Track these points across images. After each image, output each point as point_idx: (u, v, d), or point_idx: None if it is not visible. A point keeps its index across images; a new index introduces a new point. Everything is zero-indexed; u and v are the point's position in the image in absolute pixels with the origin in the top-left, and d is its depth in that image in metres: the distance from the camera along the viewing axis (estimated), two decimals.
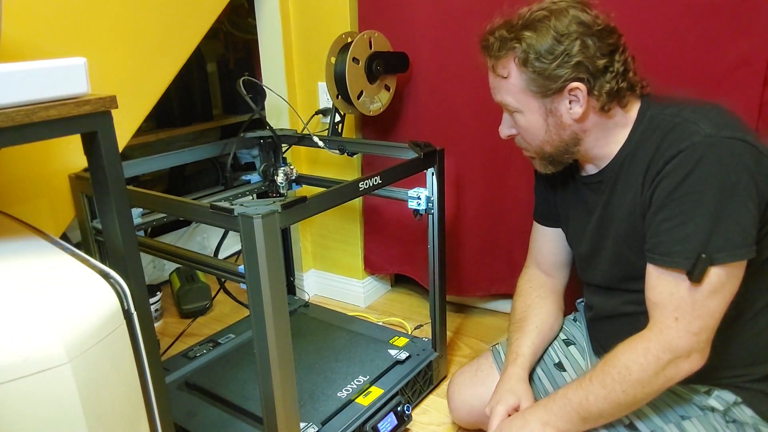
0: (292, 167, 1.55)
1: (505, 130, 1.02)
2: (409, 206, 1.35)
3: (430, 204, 1.33)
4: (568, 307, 1.25)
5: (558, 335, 1.19)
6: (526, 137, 0.99)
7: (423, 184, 1.33)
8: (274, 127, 1.76)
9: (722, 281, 0.83)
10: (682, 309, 0.84)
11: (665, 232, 0.85)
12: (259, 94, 1.83)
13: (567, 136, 0.95)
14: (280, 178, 1.49)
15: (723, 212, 0.81)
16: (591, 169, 1.01)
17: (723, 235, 0.81)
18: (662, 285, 0.87)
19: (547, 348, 1.17)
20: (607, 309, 1.06)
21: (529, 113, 0.95)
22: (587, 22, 0.89)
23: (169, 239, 2.14)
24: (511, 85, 0.94)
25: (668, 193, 0.85)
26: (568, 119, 0.93)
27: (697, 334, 0.84)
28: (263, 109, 1.81)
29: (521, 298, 1.20)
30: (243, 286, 0.96)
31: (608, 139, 0.95)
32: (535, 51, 0.89)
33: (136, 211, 1.29)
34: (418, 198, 1.33)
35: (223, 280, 1.65)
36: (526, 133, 0.98)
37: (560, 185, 1.10)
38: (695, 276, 0.82)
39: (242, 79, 1.37)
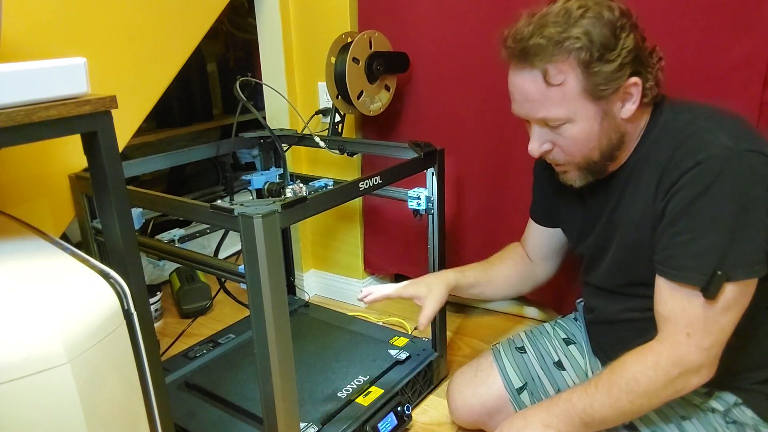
0: (301, 185, 1.42)
1: (538, 147, 0.91)
2: (409, 206, 1.35)
3: (430, 204, 1.33)
4: (568, 307, 1.25)
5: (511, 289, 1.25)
6: (571, 149, 0.89)
7: (423, 184, 1.33)
8: (274, 127, 1.76)
9: (736, 297, 0.82)
10: (695, 325, 0.83)
11: (679, 246, 0.84)
12: (259, 94, 1.83)
13: (616, 139, 0.88)
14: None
15: (740, 228, 0.79)
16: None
17: (740, 251, 0.80)
18: (674, 300, 0.85)
19: (538, 327, 1.23)
20: (608, 314, 1.06)
21: (583, 120, 0.86)
22: (626, 12, 0.84)
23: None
24: (564, 92, 0.84)
25: (684, 207, 0.82)
26: (620, 120, 0.87)
27: (708, 349, 0.83)
28: (263, 108, 1.81)
29: (503, 252, 1.27)
30: (243, 286, 0.95)
31: (634, 140, 0.92)
32: (597, 47, 0.80)
33: (137, 212, 1.29)
34: (418, 198, 1.32)
35: (223, 280, 1.65)
36: (574, 144, 0.88)
37: (564, 187, 1.09)
38: (710, 293, 0.80)
39: (239, 80, 1.36)
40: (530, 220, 1.23)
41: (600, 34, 0.81)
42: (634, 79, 0.85)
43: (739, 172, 0.79)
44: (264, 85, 1.77)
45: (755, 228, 0.80)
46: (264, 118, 1.81)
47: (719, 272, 0.80)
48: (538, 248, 1.22)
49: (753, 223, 0.80)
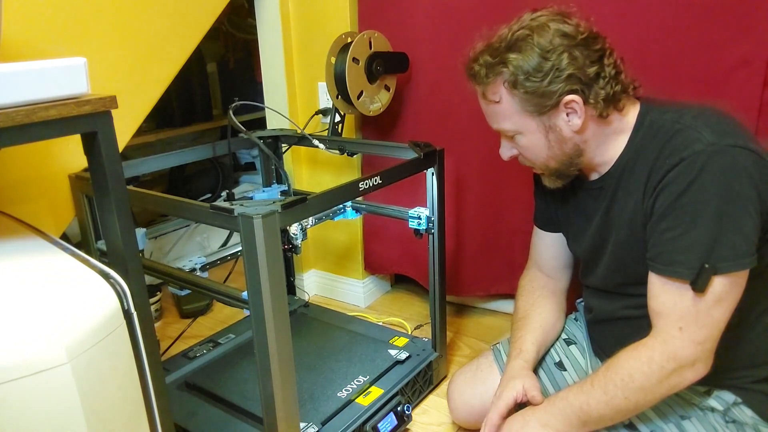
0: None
1: (506, 152, 1.02)
2: (410, 226, 1.36)
3: (430, 224, 1.34)
4: (569, 307, 1.25)
5: (560, 335, 1.19)
6: (529, 156, 0.99)
7: (423, 185, 1.33)
8: (274, 127, 1.76)
9: (726, 290, 0.82)
10: (686, 319, 0.84)
11: (668, 241, 0.85)
12: (259, 94, 1.83)
13: (569, 149, 0.94)
14: (293, 228, 1.33)
15: (726, 221, 0.80)
16: (591, 175, 1.01)
17: (726, 244, 0.81)
18: (665, 295, 0.86)
19: (550, 348, 1.17)
20: (606, 312, 1.06)
21: (529, 133, 0.94)
22: (570, 33, 0.88)
23: (168, 239, 2.14)
24: (504, 109, 0.93)
25: (670, 202, 0.84)
26: (568, 132, 0.92)
27: (701, 343, 0.84)
28: (263, 108, 1.81)
29: (524, 297, 1.19)
30: (246, 311, 0.95)
31: (608, 145, 0.95)
32: (523, 71, 0.88)
33: (140, 232, 1.30)
34: (419, 218, 1.33)
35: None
36: (528, 152, 0.98)
37: (560, 191, 1.09)
38: (699, 286, 0.81)
39: (233, 107, 1.36)
40: (536, 230, 1.21)
41: (527, 58, 0.88)
42: (570, 97, 0.89)
43: (722, 167, 0.80)
44: (267, 108, 1.77)
45: (740, 221, 0.81)
46: (260, 125, 1.81)
47: (707, 265, 0.81)
48: (552, 259, 1.19)
49: (738, 216, 0.81)
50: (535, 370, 1.15)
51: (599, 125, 0.93)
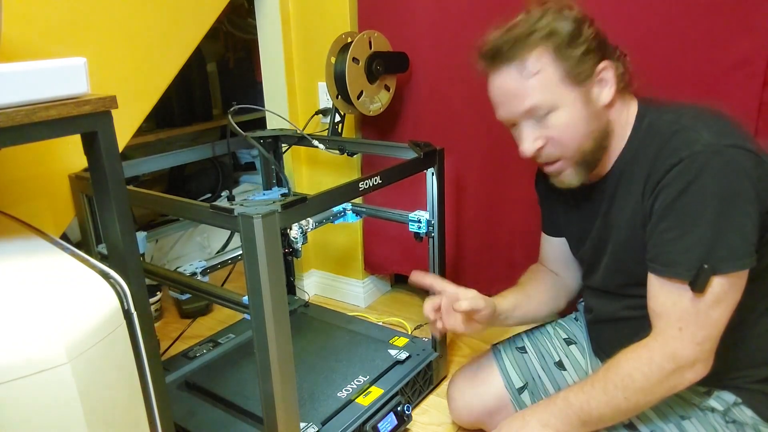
0: (308, 218, 1.36)
1: (531, 144, 0.92)
2: (410, 229, 1.36)
3: (430, 228, 1.34)
4: (569, 308, 1.25)
5: (545, 320, 1.20)
6: (563, 138, 0.91)
7: (423, 186, 1.33)
8: (274, 127, 1.76)
9: (725, 291, 0.82)
10: (686, 319, 0.84)
11: (667, 242, 0.85)
12: (259, 93, 1.83)
13: (604, 124, 0.92)
14: (293, 232, 1.32)
15: (725, 222, 0.80)
16: (592, 178, 1.01)
17: (725, 244, 0.81)
18: (665, 295, 0.86)
19: (533, 327, 1.19)
20: (606, 313, 1.06)
21: (569, 106, 0.89)
22: (584, 15, 0.90)
23: (169, 239, 2.14)
24: (543, 80, 0.88)
25: (669, 203, 0.84)
26: (601, 106, 0.91)
27: (701, 344, 0.84)
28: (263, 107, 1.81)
29: (526, 274, 1.22)
30: (247, 316, 0.95)
31: (618, 138, 0.94)
32: (565, 36, 0.87)
33: (141, 236, 1.30)
34: (419, 221, 1.34)
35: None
36: (564, 132, 0.90)
37: (561, 194, 1.09)
38: (698, 286, 0.82)
39: (231, 109, 1.36)
40: (543, 234, 1.22)
41: (563, 25, 0.88)
42: (605, 63, 0.89)
43: (721, 167, 0.80)
44: (264, 89, 1.77)
45: (740, 221, 0.81)
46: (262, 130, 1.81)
47: (706, 266, 0.81)
48: (559, 260, 1.20)
49: (737, 216, 0.81)
50: (536, 371, 1.16)
51: (620, 103, 0.93)
